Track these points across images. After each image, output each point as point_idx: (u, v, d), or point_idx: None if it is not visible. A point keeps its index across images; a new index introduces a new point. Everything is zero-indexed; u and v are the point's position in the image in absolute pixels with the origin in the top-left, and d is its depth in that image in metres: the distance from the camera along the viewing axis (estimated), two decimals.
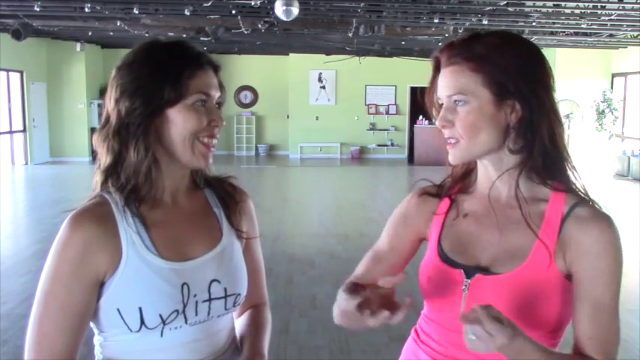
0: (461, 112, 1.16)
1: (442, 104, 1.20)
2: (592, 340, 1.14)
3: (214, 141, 1.26)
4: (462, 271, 1.20)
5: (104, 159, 1.24)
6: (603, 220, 1.17)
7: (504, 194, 1.23)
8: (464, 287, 1.18)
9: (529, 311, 1.14)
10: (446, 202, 1.30)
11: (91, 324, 1.24)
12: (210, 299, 1.25)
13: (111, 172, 1.23)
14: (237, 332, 1.40)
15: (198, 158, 1.24)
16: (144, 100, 1.19)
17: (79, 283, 1.17)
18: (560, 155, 1.19)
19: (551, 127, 1.17)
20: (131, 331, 1.19)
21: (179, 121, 1.21)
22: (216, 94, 1.26)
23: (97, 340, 1.27)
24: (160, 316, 1.19)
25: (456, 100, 1.16)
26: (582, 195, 1.20)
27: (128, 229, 1.20)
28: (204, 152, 1.25)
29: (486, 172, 1.24)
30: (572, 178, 1.21)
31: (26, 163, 14.11)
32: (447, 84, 1.18)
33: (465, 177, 1.32)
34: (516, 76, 1.15)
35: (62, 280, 1.17)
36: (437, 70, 1.22)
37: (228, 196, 1.37)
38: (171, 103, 1.20)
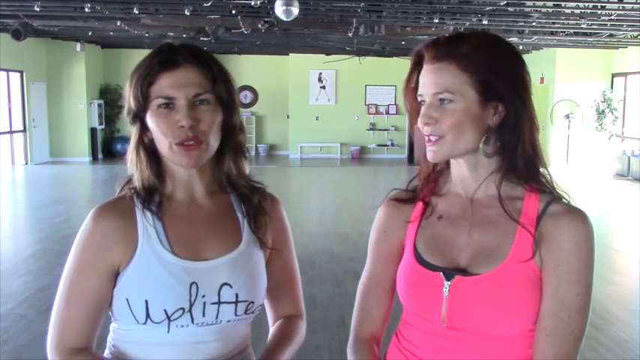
0: (447, 110, 1.15)
1: (423, 101, 1.19)
2: (549, 337, 1.13)
3: (187, 142, 1.21)
4: (441, 273, 1.18)
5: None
6: (578, 216, 1.17)
7: (480, 194, 1.23)
8: (444, 290, 1.17)
9: (511, 309, 1.14)
10: (419, 205, 1.28)
11: (108, 310, 1.29)
12: (219, 302, 1.24)
13: (129, 180, 1.31)
14: (268, 339, 1.39)
15: (180, 159, 1.24)
16: (126, 112, 1.27)
17: (95, 271, 1.23)
18: (537, 157, 1.20)
19: (531, 129, 1.19)
20: (138, 322, 1.22)
21: (151, 127, 1.25)
22: (188, 92, 1.21)
23: (112, 326, 1.31)
24: (165, 311, 1.20)
25: (441, 99, 1.16)
26: (555, 193, 1.21)
27: (146, 223, 1.25)
28: (182, 152, 1.22)
29: (460, 173, 1.24)
30: (546, 179, 1.22)
31: (26, 163, 14.11)
32: (434, 81, 1.16)
33: (432, 178, 1.30)
34: (502, 77, 1.16)
35: (80, 268, 1.23)
36: (417, 65, 1.22)
37: (256, 205, 1.35)
38: (140, 112, 1.25)
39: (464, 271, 1.18)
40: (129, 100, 1.25)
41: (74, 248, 1.25)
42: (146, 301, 1.20)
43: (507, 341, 1.16)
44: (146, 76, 1.23)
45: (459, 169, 1.24)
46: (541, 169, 1.21)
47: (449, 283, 1.17)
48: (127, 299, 1.22)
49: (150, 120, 1.24)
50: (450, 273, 1.18)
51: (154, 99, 1.22)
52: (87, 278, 1.23)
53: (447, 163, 1.28)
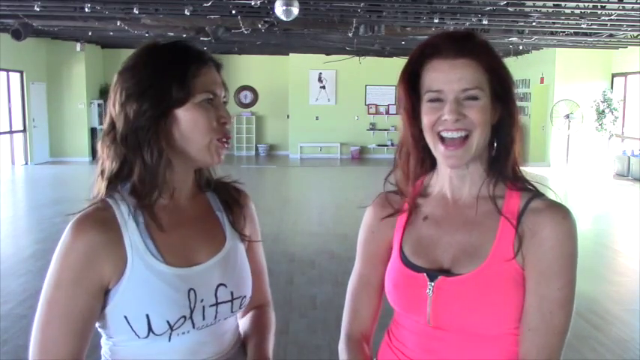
0: (476, 106, 1.15)
1: (438, 99, 1.17)
2: (532, 332, 1.14)
3: (227, 139, 1.26)
4: (424, 274, 1.19)
5: (110, 165, 1.22)
6: (559, 211, 1.17)
7: (464, 194, 1.23)
8: (428, 291, 1.18)
9: (494, 308, 1.15)
10: (406, 207, 1.29)
11: (99, 329, 1.24)
12: (217, 303, 1.24)
13: (118, 178, 1.22)
14: (242, 333, 1.40)
15: (212, 156, 1.24)
16: (152, 102, 1.18)
17: (83, 289, 1.15)
18: (517, 159, 1.22)
19: (517, 132, 1.21)
20: (139, 337, 1.18)
21: (189, 121, 1.20)
22: (221, 92, 1.26)
23: (105, 342, 1.26)
24: (168, 322, 1.18)
25: (468, 96, 1.15)
26: (536, 190, 1.22)
27: (132, 236, 1.19)
28: (220, 149, 1.24)
29: (451, 173, 1.23)
30: (524, 179, 1.23)
31: (26, 163, 14.11)
32: (461, 77, 1.15)
33: (415, 177, 1.29)
34: (506, 79, 1.20)
35: (65, 286, 1.15)
36: (421, 59, 1.19)
37: (232, 199, 1.37)
38: (179, 103, 1.19)
39: (447, 272, 1.19)
40: (159, 93, 1.18)
41: (55, 266, 1.15)
42: (147, 316, 1.16)
43: (493, 340, 1.17)
44: (190, 68, 1.20)
45: (450, 171, 1.23)
46: (521, 173, 1.23)
47: (432, 284, 1.18)
48: (126, 316, 1.17)
49: (188, 114, 1.19)
50: (433, 274, 1.19)
51: (201, 92, 1.20)
52: (73, 297, 1.15)
53: (433, 164, 1.27)
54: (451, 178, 1.24)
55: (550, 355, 1.13)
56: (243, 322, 1.42)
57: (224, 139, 1.24)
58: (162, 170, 1.20)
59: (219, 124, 1.23)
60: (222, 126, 1.24)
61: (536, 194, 1.20)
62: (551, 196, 1.24)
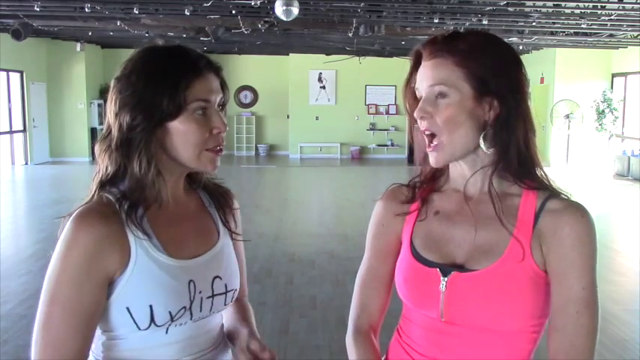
0: (441, 104, 1.16)
1: (421, 96, 1.20)
2: (559, 333, 1.14)
3: (220, 147, 1.27)
4: (437, 269, 1.19)
5: (104, 169, 1.24)
6: (577, 210, 1.16)
7: (477, 191, 1.23)
8: (441, 286, 1.18)
9: (507, 305, 1.14)
10: (417, 201, 1.29)
11: None
12: (213, 295, 1.28)
13: (110, 183, 1.24)
14: (227, 323, 1.43)
15: (205, 165, 1.26)
16: (145, 116, 1.20)
17: (91, 282, 1.15)
18: (532, 158, 1.21)
19: (525, 130, 1.19)
20: (139, 329, 1.19)
21: (181, 133, 1.21)
22: (216, 97, 1.26)
23: (97, 338, 1.25)
24: (170, 313, 1.20)
25: (437, 93, 1.16)
26: (552, 189, 1.21)
27: (134, 228, 1.20)
28: (213, 158, 1.26)
29: (459, 170, 1.24)
30: (542, 179, 1.22)
31: (26, 163, 14.11)
32: (430, 75, 1.17)
33: (434, 178, 1.31)
34: (497, 74, 1.17)
35: (73, 280, 1.14)
36: (417, 63, 1.23)
37: (223, 200, 1.41)
38: (171, 117, 1.20)
39: (461, 267, 1.19)
40: (151, 106, 1.19)
41: (60, 261, 1.14)
42: (150, 307, 1.18)
43: (505, 336, 1.17)
44: (182, 80, 1.20)
45: (458, 166, 1.24)
46: (536, 169, 1.21)
47: (445, 279, 1.18)
48: (128, 307, 1.18)
49: (182, 125, 1.21)
50: (446, 269, 1.19)
51: (192, 102, 1.21)
52: (81, 291, 1.14)
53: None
54: (463, 176, 1.24)
55: (579, 356, 1.13)
56: (228, 313, 1.44)
57: (217, 148, 1.26)
58: (151, 181, 1.22)
59: (212, 135, 1.24)
60: (215, 136, 1.25)
61: (553, 194, 1.20)
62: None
